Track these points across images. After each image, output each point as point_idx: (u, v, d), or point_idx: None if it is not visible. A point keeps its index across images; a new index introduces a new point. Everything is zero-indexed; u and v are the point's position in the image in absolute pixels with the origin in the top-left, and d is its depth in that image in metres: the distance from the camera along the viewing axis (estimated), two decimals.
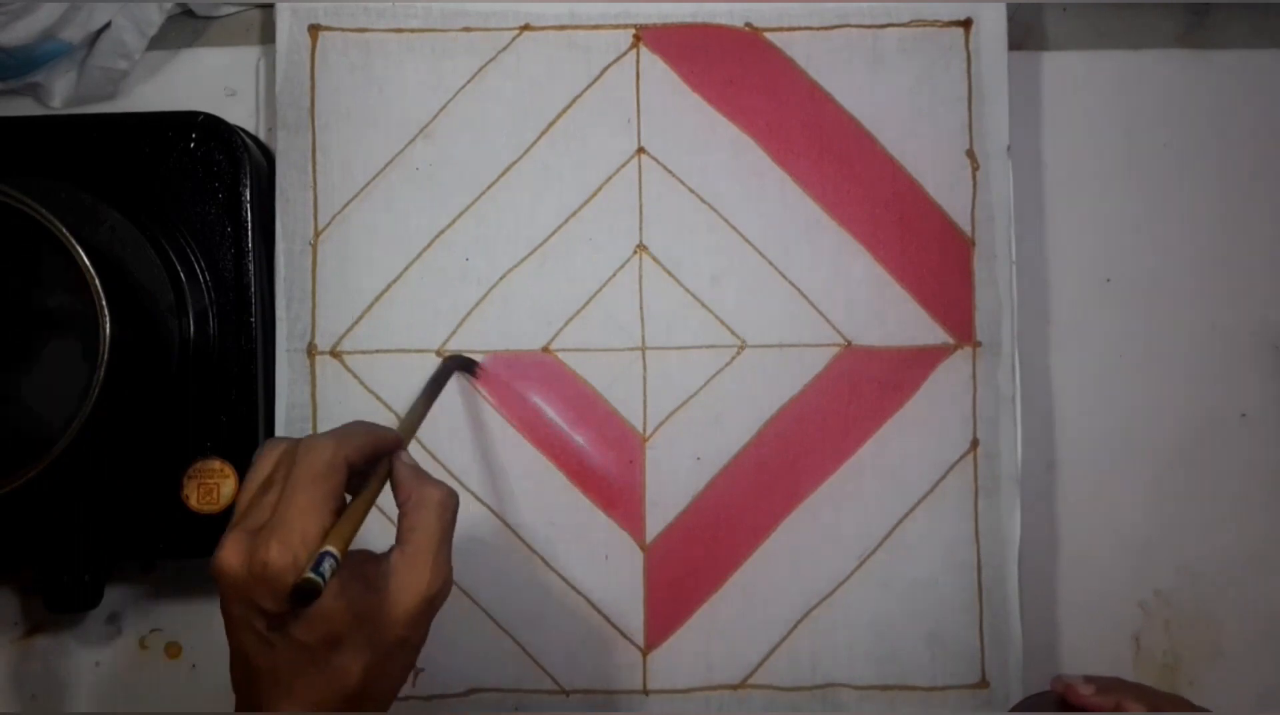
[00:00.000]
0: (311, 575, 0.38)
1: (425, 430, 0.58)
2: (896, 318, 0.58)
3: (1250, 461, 0.60)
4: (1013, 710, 0.54)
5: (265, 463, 0.42)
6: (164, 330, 0.54)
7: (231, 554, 0.39)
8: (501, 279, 0.59)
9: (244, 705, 0.42)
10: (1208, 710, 0.48)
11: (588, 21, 0.59)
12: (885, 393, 0.58)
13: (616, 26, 0.59)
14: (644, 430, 0.58)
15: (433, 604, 0.41)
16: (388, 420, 0.58)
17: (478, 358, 0.58)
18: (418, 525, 0.42)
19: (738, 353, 0.58)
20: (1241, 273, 0.60)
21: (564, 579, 0.58)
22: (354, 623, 0.40)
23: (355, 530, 0.41)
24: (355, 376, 0.58)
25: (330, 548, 0.39)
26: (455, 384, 0.58)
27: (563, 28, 0.59)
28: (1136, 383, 0.60)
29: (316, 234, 0.59)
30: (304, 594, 0.38)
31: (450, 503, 0.43)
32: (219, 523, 0.55)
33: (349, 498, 0.42)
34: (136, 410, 0.53)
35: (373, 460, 0.44)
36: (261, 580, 0.39)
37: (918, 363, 0.58)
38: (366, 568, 0.41)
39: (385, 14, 0.59)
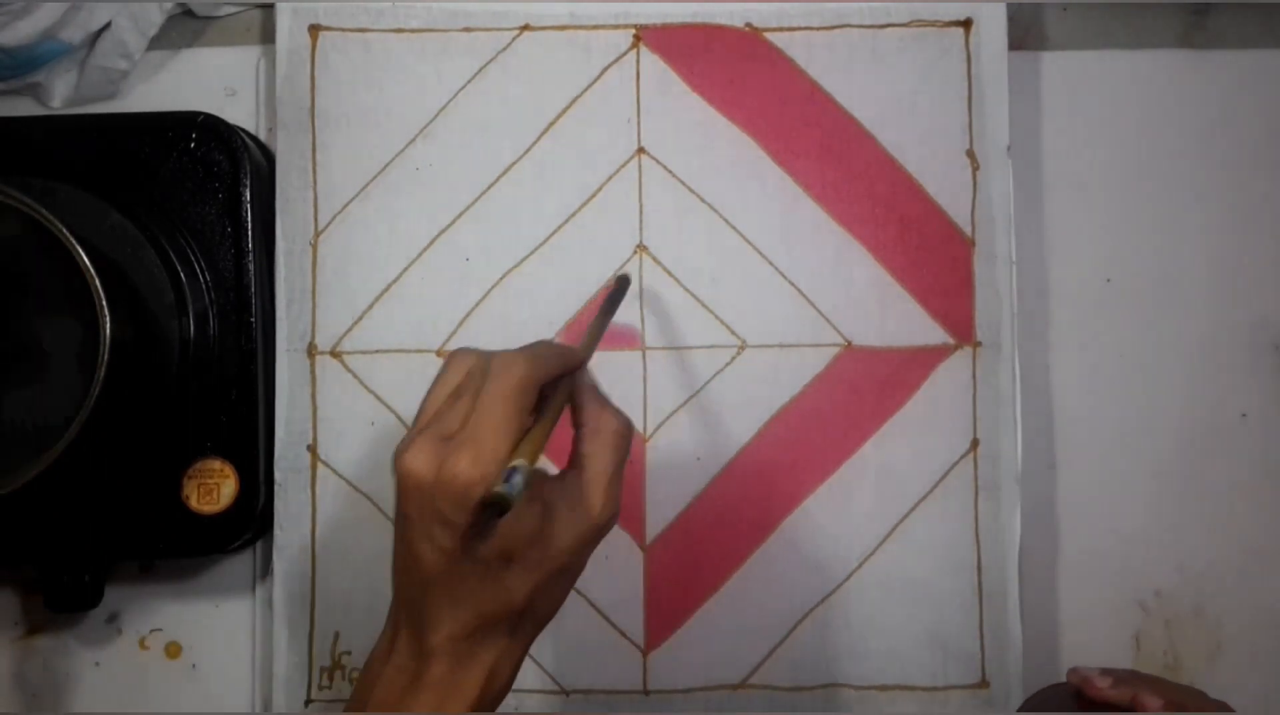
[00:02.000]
0: (503, 489, 0.38)
1: None
2: (896, 318, 0.58)
3: (1250, 461, 0.60)
4: (1026, 702, 0.54)
5: (455, 371, 0.42)
6: (164, 330, 0.54)
7: (420, 458, 0.40)
8: (501, 279, 0.59)
9: (403, 605, 0.42)
10: (1223, 703, 0.48)
11: (588, 21, 0.59)
12: (885, 393, 0.58)
13: (616, 26, 0.59)
14: (644, 430, 0.58)
15: (600, 533, 0.42)
16: (387, 422, 0.58)
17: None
18: (594, 452, 0.42)
19: (738, 353, 0.58)
20: (1241, 273, 0.60)
21: None
22: (528, 542, 0.40)
23: (541, 449, 0.41)
24: (355, 376, 0.58)
25: (521, 462, 0.39)
26: None
27: (563, 28, 0.59)
28: (1136, 383, 0.60)
29: (316, 234, 0.59)
30: (495, 507, 0.38)
31: (626, 433, 0.43)
32: (219, 522, 0.55)
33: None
34: (136, 410, 0.53)
35: (558, 380, 0.44)
36: (450, 489, 0.39)
37: (918, 363, 0.58)
38: (543, 489, 0.42)
39: (385, 14, 0.59)
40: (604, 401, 0.44)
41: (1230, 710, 0.48)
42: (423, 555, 0.40)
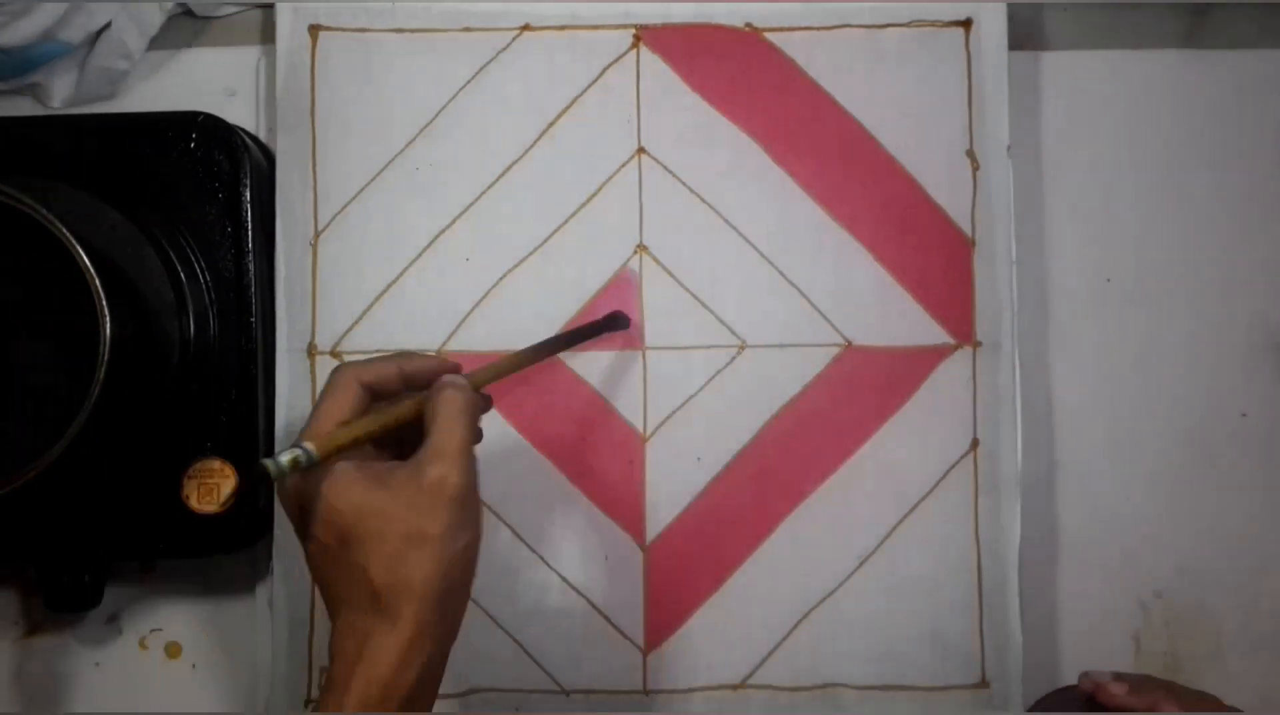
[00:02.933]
0: (266, 461, 0.41)
1: None
2: (897, 318, 0.58)
3: (1250, 461, 0.60)
4: (1034, 706, 0.53)
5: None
6: (164, 330, 0.54)
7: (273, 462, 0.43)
8: (501, 279, 0.59)
9: (331, 614, 0.43)
10: (1237, 709, 0.47)
11: (588, 21, 0.59)
12: (885, 393, 0.58)
13: (617, 26, 0.59)
14: (644, 430, 0.58)
15: (442, 495, 0.41)
16: None
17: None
18: (429, 418, 0.44)
19: (738, 353, 0.58)
20: (1241, 273, 0.60)
21: (564, 579, 0.58)
22: (357, 518, 0.41)
23: (351, 435, 0.43)
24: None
25: (305, 443, 0.42)
26: None
27: (563, 28, 0.59)
28: (1136, 383, 0.60)
29: (316, 234, 0.59)
30: (257, 476, 0.41)
31: (458, 395, 0.44)
32: (219, 523, 0.55)
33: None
34: (136, 410, 0.53)
35: (411, 384, 0.46)
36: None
37: (918, 363, 0.58)
38: (375, 469, 0.43)
39: (385, 14, 0.59)
40: (455, 383, 0.45)
41: None
42: (309, 561, 0.43)
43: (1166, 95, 0.61)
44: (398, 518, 0.41)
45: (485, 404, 0.46)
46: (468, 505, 0.43)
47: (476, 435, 0.45)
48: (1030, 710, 0.54)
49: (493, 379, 0.49)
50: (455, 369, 0.47)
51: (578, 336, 0.56)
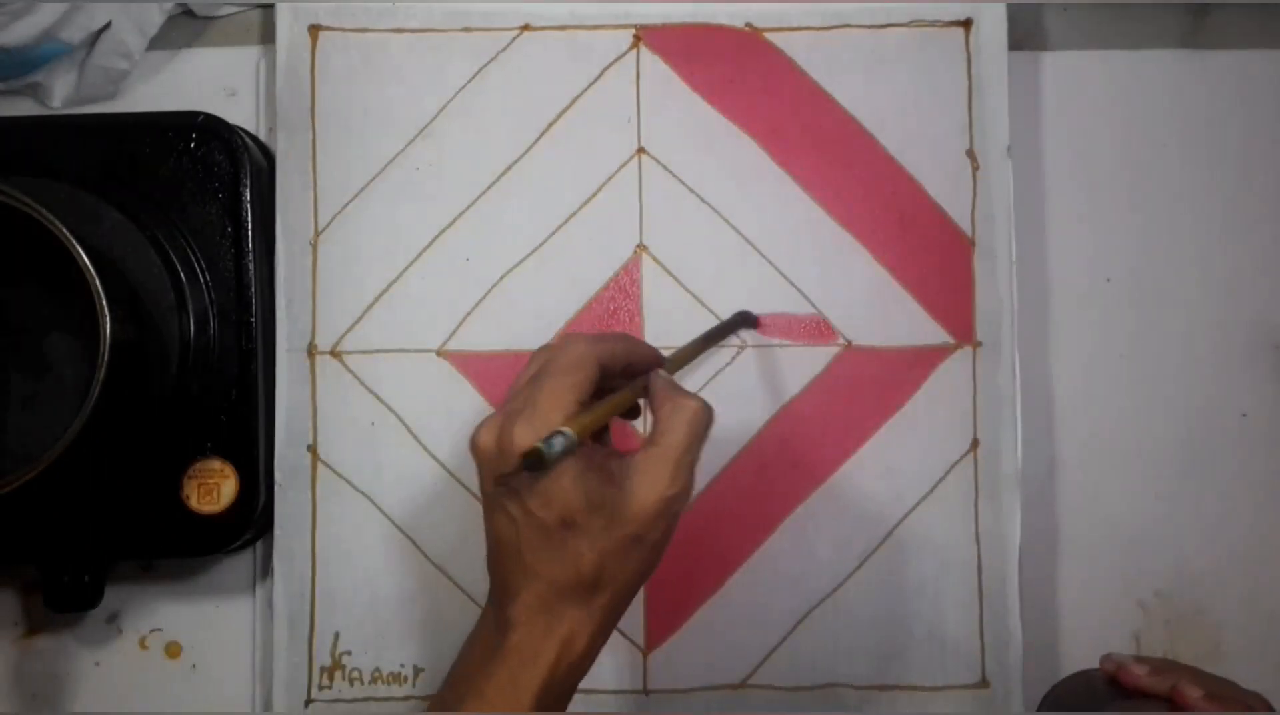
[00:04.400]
0: (540, 444, 0.40)
1: (424, 430, 0.58)
2: (896, 318, 0.58)
3: (1250, 461, 0.60)
4: (1053, 689, 0.53)
5: (534, 362, 0.45)
6: (164, 330, 0.54)
7: (485, 433, 0.43)
8: (501, 279, 0.59)
9: (493, 581, 0.44)
10: (1258, 694, 0.47)
11: (588, 21, 0.59)
12: (885, 393, 0.58)
13: (616, 26, 0.59)
14: (644, 430, 0.58)
15: (670, 505, 0.43)
16: (388, 422, 0.58)
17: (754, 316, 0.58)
18: (667, 429, 0.44)
19: (738, 353, 0.58)
20: (1241, 273, 0.60)
21: None
22: (588, 509, 0.42)
23: (596, 422, 0.43)
24: (355, 376, 0.58)
25: (565, 428, 0.41)
26: (454, 386, 0.58)
27: (563, 28, 0.59)
28: (1136, 382, 0.60)
29: (316, 234, 0.59)
30: (531, 462, 0.40)
31: (704, 414, 0.44)
32: (219, 522, 0.55)
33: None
34: (137, 410, 0.53)
35: (628, 369, 0.46)
36: (508, 457, 0.41)
37: (918, 363, 0.58)
38: (609, 461, 0.43)
39: (385, 14, 0.59)
40: (680, 389, 0.46)
41: (1265, 700, 0.48)
42: (498, 525, 0.43)
43: (1166, 95, 0.61)
44: (625, 518, 0.42)
45: (710, 415, 0.46)
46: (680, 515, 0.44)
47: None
48: (1048, 695, 0.54)
49: (684, 361, 0.50)
50: (657, 358, 0.48)
51: (721, 333, 0.56)
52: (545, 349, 0.45)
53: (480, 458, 0.43)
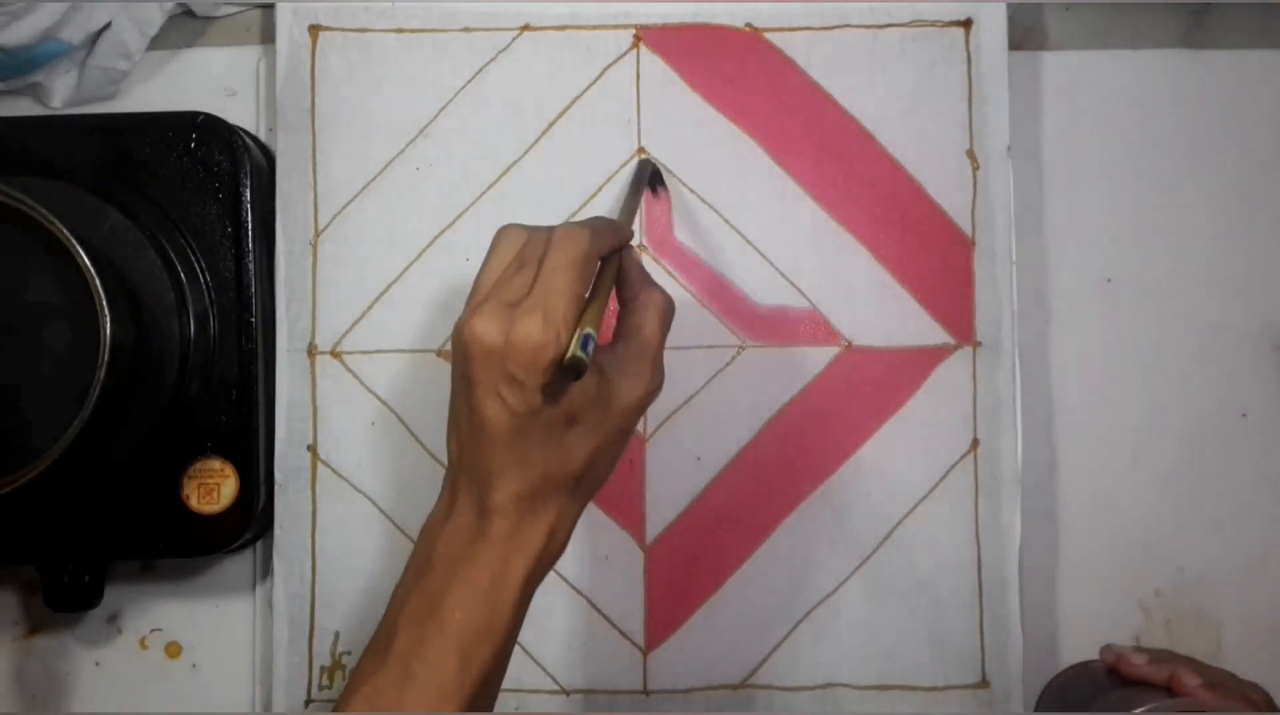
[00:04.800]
0: (580, 353, 0.40)
1: (424, 429, 0.58)
2: (897, 318, 0.58)
3: (1250, 461, 0.60)
4: (1053, 680, 0.54)
5: (509, 245, 0.44)
6: (164, 330, 0.54)
7: (488, 324, 0.41)
8: None
9: (463, 468, 0.44)
10: (1255, 684, 0.48)
11: (588, 22, 0.59)
12: (885, 393, 0.58)
13: (617, 27, 0.59)
14: (644, 430, 0.58)
15: (649, 399, 0.45)
16: (388, 422, 0.58)
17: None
18: (642, 325, 0.45)
19: (738, 353, 0.58)
20: (1241, 273, 0.60)
21: (564, 579, 0.58)
22: (588, 406, 0.43)
23: (601, 318, 0.43)
24: (355, 376, 0.58)
25: (589, 329, 0.41)
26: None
27: (563, 28, 0.59)
28: (1137, 382, 0.60)
29: (317, 234, 0.59)
30: (572, 371, 0.40)
31: (670, 307, 0.46)
32: (219, 522, 0.55)
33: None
34: (137, 410, 0.53)
35: (611, 255, 0.46)
36: (521, 352, 0.41)
37: (918, 363, 0.58)
38: (602, 359, 0.44)
39: (385, 14, 0.59)
40: (648, 278, 0.47)
41: (1263, 690, 0.48)
42: (490, 416, 0.42)
43: (1166, 95, 0.61)
44: (617, 413, 0.43)
45: (672, 307, 0.47)
46: None
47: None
48: (1049, 685, 0.55)
49: (630, 221, 0.50)
50: (629, 238, 0.48)
51: (638, 186, 0.55)
52: (525, 232, 0.44)
53: (477, 349, 0.41)
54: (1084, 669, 0.54)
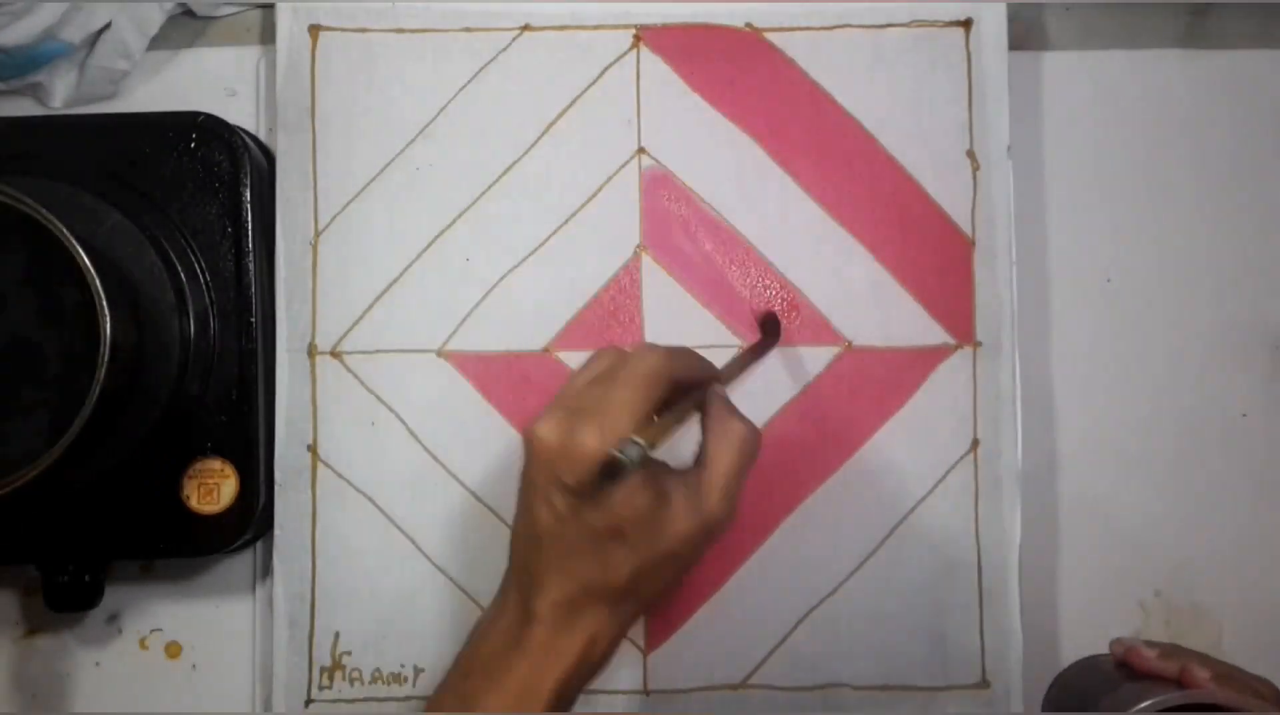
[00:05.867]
0: (619, 454, 0.40)
1: (424, 430, 0.58)
2: (897, 318, 0.58)
3: (1250, 461, 0.60)
4: (1061, 675, 0.54)
5: (598, 362, 0.45)
6: (164, 330, 0.54)
7: (550, 426, 0.43)
8: (502, 279, 0.59)
9: (517, 569, 0.45)
10: (1263, 678, 0.48)
11: (588, 22, 0.59)
12: (885, 393, 0.58)
13: (617, 27, 0.59)
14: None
15: (712, 530, 0.44)
16: (388, 422, 0.58)
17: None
18: (717, 454, 0.45)
19: (738, 353, 0.58)
20: (1241, 273, 0.60)
21: None
22: (637, 523, 0.42)
23: (665, 436, 0.43)
24: (355, 376, 0.58)
25: (639, 439, 0.41)
26: (454, 386, 0.58)
27: (563, 28, 0.59)
28: (1137, 382, 0.60)
29: (317, 234, 0.59)
30: (610, 471, 0.41)
31: (753, 440, 0.46)
32: (219, 522, 0.55)
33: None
34: (137, 409, 0.53)
35: (692, 385, 0.46)
36: (573, 456, 0.42)
37: (918, 363, 0.58)
38: (661, 479, 0.44)
39: (386, 14, 0.59)
40: (733, 410, 0.46)
41: (1271, 684, 0.48)
42: (539, 518, 0.43)
43: (1166, 95, 0.61)
44: (670, 536, 0.43)
45: (758, 440, 0.47)
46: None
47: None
48: (1056, 680, 0.55)
49: (737, 373, 0.51)
50: (718, 376, 0.48)
51: (761, 350, 0.56)
52: (614, 352, 0.45)
53: (537, 450, 0.43)
54: (1091, 663, 0.54)
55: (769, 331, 0.57)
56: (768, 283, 0.58)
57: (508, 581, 0.45)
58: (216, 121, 0.57)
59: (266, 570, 0.59)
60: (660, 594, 0.45)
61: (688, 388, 0.46)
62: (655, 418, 0.44)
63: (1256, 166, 0.61)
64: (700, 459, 0.45)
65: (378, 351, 0.58)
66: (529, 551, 0.44)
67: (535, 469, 0.43)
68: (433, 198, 0.59)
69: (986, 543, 0.58)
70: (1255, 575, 0.60)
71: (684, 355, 0.46)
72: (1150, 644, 0.49)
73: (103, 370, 0.48)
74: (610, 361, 0.45)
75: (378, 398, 0.58)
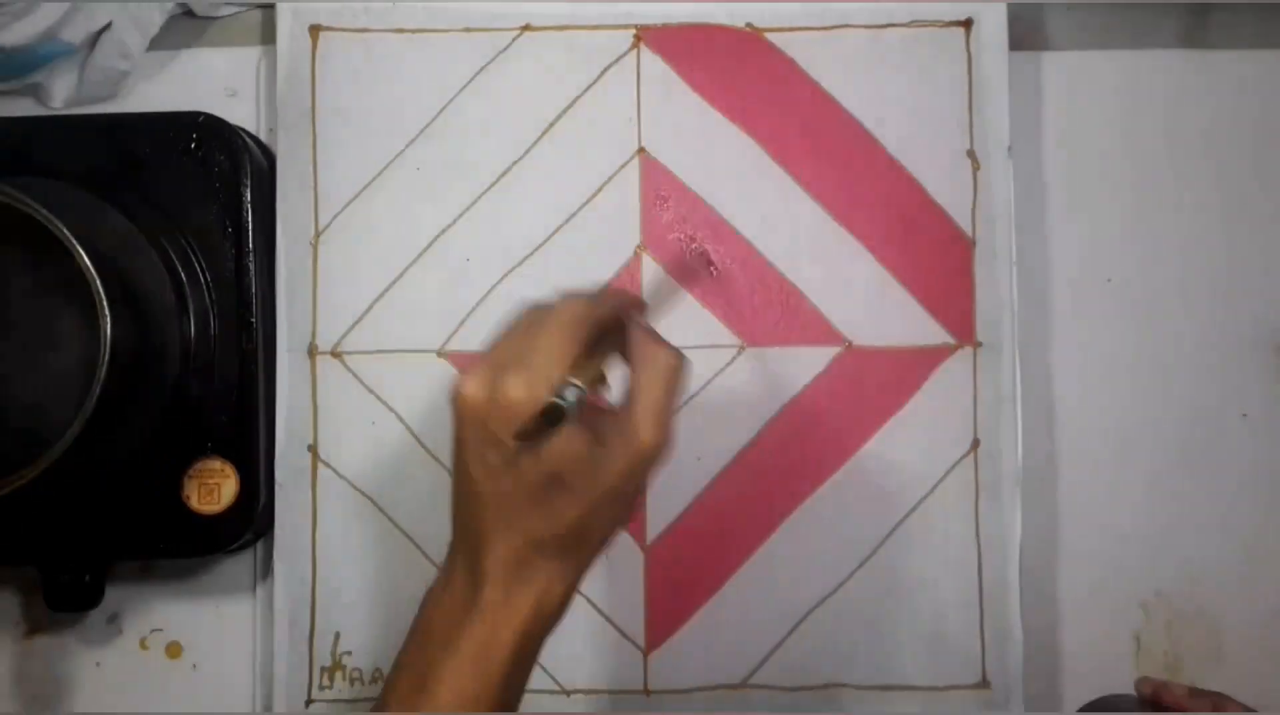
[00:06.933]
0: (557, 400, 0.40)
1: (424, 430, 0.58)
2: (897, 318, 0.58)
3: (1250, 461, 0.60)
4: (1082, 710, 0.53)
5: (522, 318, 0.44)
6: (164, 330, 0.54)
7: (474, 384, 0.41)
8: (502, 279, 0.59)
9: (460, 533, 0.44)
10: None
11: (588, 22, 0.59)
12: (885, 393, 0.58)
13: (617, 27, 0.59)
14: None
15: (648, 460, 0.43)
16: (388, 422, 0.58)
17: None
18: (644, 384, 0.43)
19: (738, 353, 0.58)
20: (1241, 273, 0.60)
21: None
22: (576, 467, 0.41)
23: (595, 379, 0.43)
24: (355, 376, 0.58)
25: (575, 381, 0.41)
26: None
27: (563, 28, 0.59)
28: (1137, 382, 0.60)
29: (317, 234, 0.59)
30: (550, 417, 0.40)
31: (677, 365, 0.44)
32: (220, 522, 0.55)
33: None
34: (137, 410, 0.53)
35: (620, 324, 0.45)
36: (501, 410, 0.41)
37: (918, 363, 0.58)
38: (594, 418, 0.43)
39: (386, 14, 0.59)
40: (656, 339, 0.45)
41: None
42: (476, 478, 0.42)
43: (1166, 95, 0.61)
44: (609, 474, 0.42)
45: (685, 365, 0.45)
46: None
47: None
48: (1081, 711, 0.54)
49: (661, 306, 0.50)
50: (642, 306, 0.47)
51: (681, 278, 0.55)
52: (536, 307, 0.44)
53: (464, 409, 0.42)
54: (1113, 701, 0.53)
55: (693, 264, 0.56)
56: (768, 283, 0.58)
57: (453, 547, 0.44)
58: (217, 121, 0.57)
59: (267, 570, 0.59)
60: (608, 533, 0.44)
61: (616, 328, 0.45)
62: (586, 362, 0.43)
63: (1257, 166, 0.61)
64: (630, 392, 0.44)
65: (378, 351, 0.58)
66: (470, 512, 0.43)
67: (466, 428, 0.42)
68: (433, 198, 0.59)
69: (987, 543, 0.58)
70: (1256, 575, 0.60)
71: (604, 294, 0.45)
72: (1178, 684, 0.49)
73: (103, 370, 0.48)
74: (532, 316, 0.44)
75: (378, 398, 0.58)
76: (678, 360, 0.44)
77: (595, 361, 0.43)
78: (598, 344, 0.44)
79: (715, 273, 0.58)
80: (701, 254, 0.57)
